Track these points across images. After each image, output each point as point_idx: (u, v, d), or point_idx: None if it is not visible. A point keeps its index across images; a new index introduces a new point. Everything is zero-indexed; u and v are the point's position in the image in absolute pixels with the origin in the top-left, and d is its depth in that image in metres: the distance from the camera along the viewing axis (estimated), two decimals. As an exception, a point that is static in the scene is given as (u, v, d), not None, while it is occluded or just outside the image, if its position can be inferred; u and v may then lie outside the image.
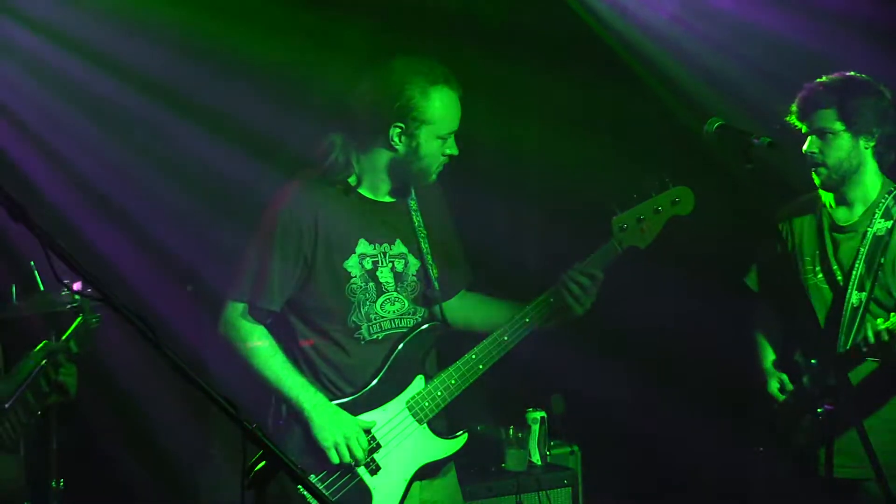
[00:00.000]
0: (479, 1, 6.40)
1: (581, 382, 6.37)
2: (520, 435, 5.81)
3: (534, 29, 6.48)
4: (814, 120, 4.75)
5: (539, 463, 5.83)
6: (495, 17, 6.40)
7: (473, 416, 4.56)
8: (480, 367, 4.44)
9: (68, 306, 4.38)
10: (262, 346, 4.39)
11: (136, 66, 5.94)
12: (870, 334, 4.53)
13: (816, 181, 4.82)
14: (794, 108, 4.81)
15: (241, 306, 4.42)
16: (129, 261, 5.95)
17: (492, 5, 6.44)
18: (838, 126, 4.72)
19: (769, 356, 5.02)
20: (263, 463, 2.85)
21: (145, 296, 5.65)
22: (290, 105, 6.05)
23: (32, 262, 5.07)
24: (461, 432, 4.50)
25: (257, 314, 4.43)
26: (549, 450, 5.89)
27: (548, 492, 5.62)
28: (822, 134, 4.74)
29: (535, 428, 5.85)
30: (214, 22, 5.87)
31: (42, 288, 5.14)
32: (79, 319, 4.36)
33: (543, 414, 5.91)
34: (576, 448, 5.96)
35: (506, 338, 4.45)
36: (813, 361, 4.74)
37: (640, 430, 6.54)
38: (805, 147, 4.77)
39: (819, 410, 4.71)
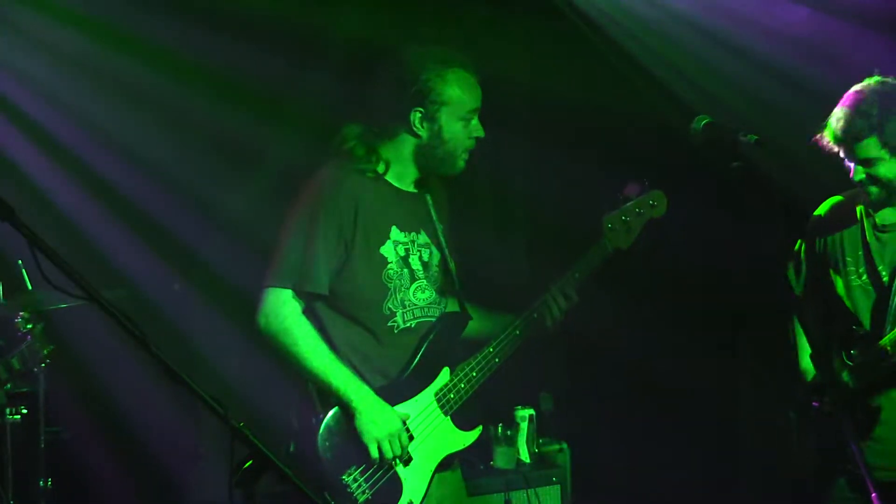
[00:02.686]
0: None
1: (569, 379, 6.41)
2: (508, 432, 5.81)
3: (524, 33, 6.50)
4: (856, 151, 4.59)
5: (528, 460, 5.83)
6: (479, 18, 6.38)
7: (478, 411, 4.58)
8: (497, 360, 4.47)
9: (19, 332, 4.52)
10: (309, 335, 4.29)
11: (133, 35, 5.88)
12: None
13: (871, 197, 4.67)
14: (830, 135, 4.64)
15: (285, 293, 4.31)
16: (122, 259, 5.95)
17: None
18: (884, 153, 4.59)
19: (806, 355, 4.95)
20: (251, 462, 2.86)
21: (140, 294, 5.66)
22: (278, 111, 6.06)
23: (20, 262, 5.08)
24: (477, 425, 4.53)
25: (301, 300, 4.35)
26: (537, 447, 5.90)
27: (536, 489, 5.62)
28: (867, 163, 4.62)
29: (524, 425, 5.86)
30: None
31: (30, 287, 5.16)
32: (26, 343, 4.48)
33: (532, 411, 5.92)
34: (565, 445, 5.96)
35: (517, 332, 4.49)
36: (853, 355, 4.70)
37: (628, 427, 6.57)
38: (853, 176, 4.62)
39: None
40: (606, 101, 6.41)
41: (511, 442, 5.80)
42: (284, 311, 4.33)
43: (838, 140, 4.61)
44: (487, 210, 6.58)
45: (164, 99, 5.95)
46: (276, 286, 4.34)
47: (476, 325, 4.63)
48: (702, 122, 4.22)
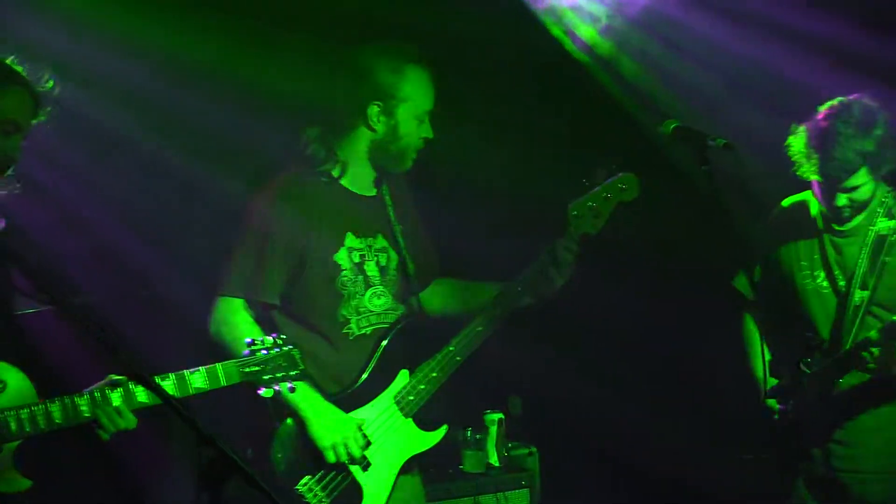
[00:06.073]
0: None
1: (538, 383, 6.40)
2: (477, 436, 5.81)
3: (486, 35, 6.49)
4: (845, 182, 4.70)
5: (497, 464, 5.83)
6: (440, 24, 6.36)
7: (442, 412, 4.59)
8: (458, 358, 4.49)
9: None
10: None
11: (93, 71, 5.85)
12: (872, 333, 4.56)
13: (842, 214, 4.80)
14: (816, 173, 4.74)
15: (236, 302, 4.36)
16: (86, 264, 5.90)
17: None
18: (866, 178, 4.69)
19: (760, 365, 4.97)
20: (217, 465, 2.85)
21: (101, 300, 5.61)
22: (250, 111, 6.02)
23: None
24: (441, 424, 4.55)
25: (253, 308, 4.38)
26: (506, 451, 5.90)
27: (506, 493, 5.62)
28: (852, 189, 4.72)
29: (493, 429, 5.86)
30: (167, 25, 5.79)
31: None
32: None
33: (501, 415, 5.92)
34: (534, 449, 5.97)
35: (480, 328, 4.50)
36: (808, 362, 4.74)
37: (597, 431, 6.57)
38: (837, 203, 4.74)
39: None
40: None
41: (480, 446, 5.80)
42: (235, 319, 4.35)
43: (834, 175, 4.68)
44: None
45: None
46: (227, 295, 4.37)
47: (458, 299, 4.65)
48: (671, 125, 4.25)
